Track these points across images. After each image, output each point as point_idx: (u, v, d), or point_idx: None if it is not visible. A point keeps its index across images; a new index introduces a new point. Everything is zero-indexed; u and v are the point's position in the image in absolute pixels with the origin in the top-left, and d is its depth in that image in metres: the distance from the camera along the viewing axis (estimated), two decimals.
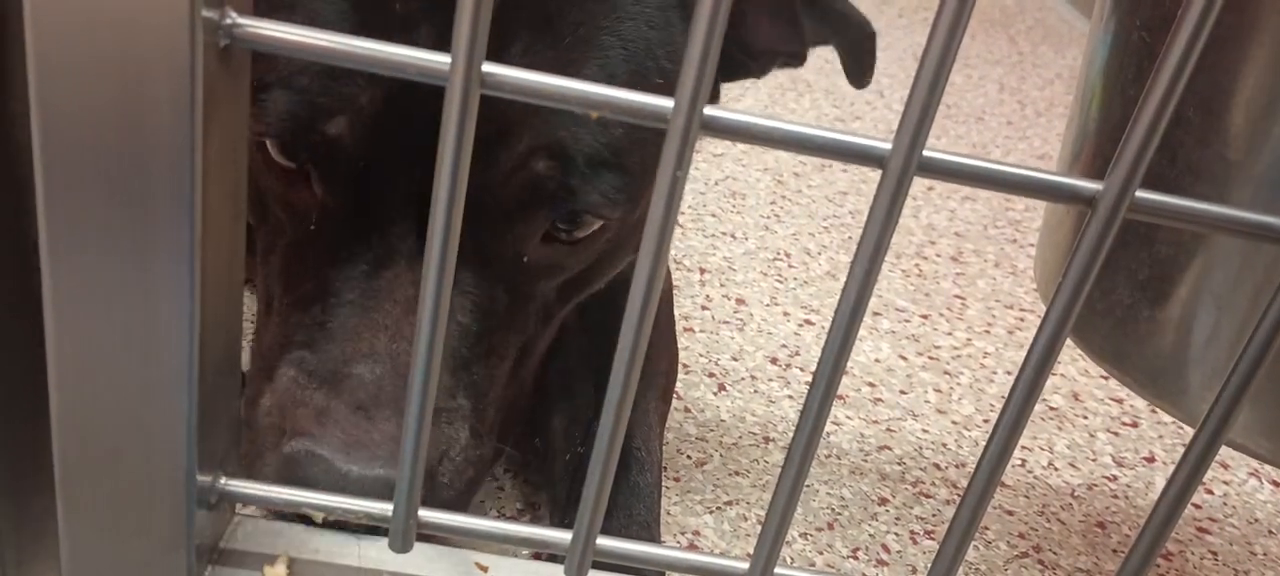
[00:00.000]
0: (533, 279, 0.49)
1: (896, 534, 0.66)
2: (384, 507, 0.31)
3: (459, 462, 0.46)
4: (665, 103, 0.24)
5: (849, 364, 0.84)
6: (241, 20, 0.24)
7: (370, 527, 0.34)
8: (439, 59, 0.24)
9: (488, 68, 0.23)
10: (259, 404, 0.45)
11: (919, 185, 1.17)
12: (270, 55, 0.41)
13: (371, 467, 0.41)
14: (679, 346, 0.73)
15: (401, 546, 0.31)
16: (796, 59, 0.56)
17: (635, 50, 0.46)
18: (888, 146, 0.24)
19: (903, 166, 0.24)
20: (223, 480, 0.31)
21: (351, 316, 0.44)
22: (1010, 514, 0.69)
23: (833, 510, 0.67)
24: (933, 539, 0.66)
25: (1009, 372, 0.85)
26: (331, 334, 0.44)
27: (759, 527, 0.64)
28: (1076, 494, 0.73)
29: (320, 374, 0.43)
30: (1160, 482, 0.76)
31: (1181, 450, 0.28)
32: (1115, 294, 0.48)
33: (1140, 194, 0.25)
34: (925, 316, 0.92)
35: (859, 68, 0.57)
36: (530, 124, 0.43)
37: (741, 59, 0.56)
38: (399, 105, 0.42)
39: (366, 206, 0.44)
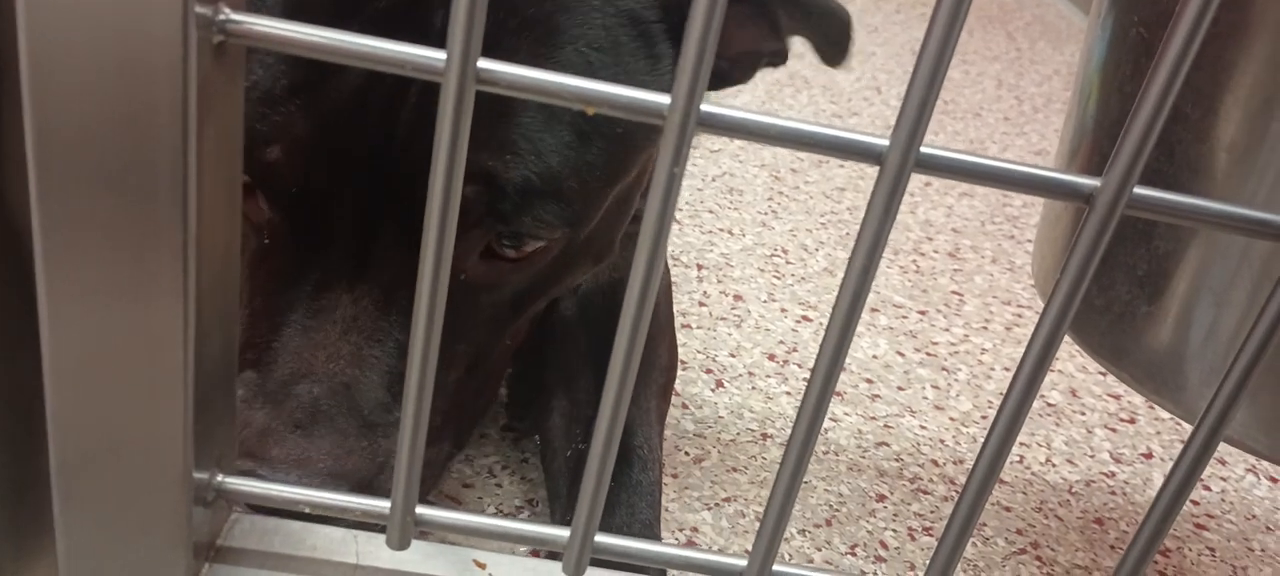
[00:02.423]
0: (475, 293, 0.50)
1: (894, 530, 0.66)
2: (382, 504, 0.31)
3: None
4: (662, 99, 0.24)
5: (847, 360, 0.84)
6: (235, 16, 0.24)
7: (366, 524, 0.34)
8: (434, 55, 0.23)
9: (483, 64, 0.23)
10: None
11: (916, 181, 1.17)
12: None
13: (310, 483, 0.44)
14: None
15: (399, 543, 0.31)
16: (779, 57, 0.56)
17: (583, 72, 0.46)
18: (885, 143, 0.24)
19: (900, 163, 0.24)
20: (220, 477, 0.31)
21: (293, 337, 0.46)
22: (1008, 510, 0.69)
23: (831, 506, 0.67)
24: (930, 535, 0.66)
25: (1006, 369, 0.85)
26: (275, 354, 0.46)
27: (757, 524, 0.64)
28: (1074, 490, 0.73)
29: (264, 393, 0.46)
30: (1158, 479, 0.76)
31: (1179, 446, 0.28)
32: (1113, 290, 0.48)
33: (1138, 190, 0.25)
34: (923, 313, 0.92)
35: (836, 50, 0.56)
36: None
37: (723, 67, 0.56)
38: (335, 135, 0.44)
39: (307, 229, 0.46)
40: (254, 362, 0.47)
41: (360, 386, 0.46)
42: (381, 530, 0.31)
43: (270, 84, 0.43)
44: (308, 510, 0.32)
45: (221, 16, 0.23)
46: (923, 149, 0.24)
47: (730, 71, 0.57)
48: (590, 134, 0.46)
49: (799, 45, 0.57)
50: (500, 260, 0.49)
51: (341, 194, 0.45)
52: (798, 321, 0.87)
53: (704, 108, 0.23)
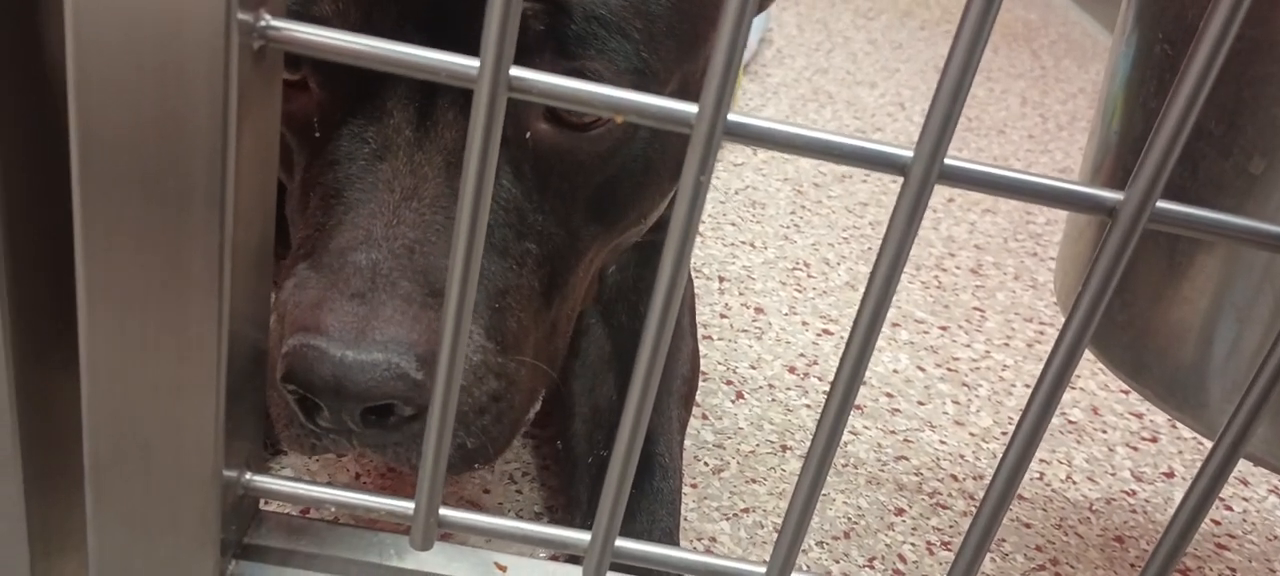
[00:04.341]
0: (544, 171, 0.46)
1: (913, 544, 0.65)
2: (406, 505, 0.31)
3: (474, 363, 0.43)
4: (690, 108, 0.24)
5: (867, 374, 0.84)
6: (275, 22, 0.24)
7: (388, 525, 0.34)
8: (468, 63, 0.24)
9: (515, 72, 0.24)
10: (269, 327, 0.43)
11: (939, 197, 1.17)
12: None
13: (369, 352, 0.39)
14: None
15: (422, 544, 0.31)
16: None
17: None
18: (909, 154, 0.24)
19: (924, 174, 0.24)
20: (248, 475, 0.32)
21: (346, 211, 0.42)
22: (1028, 526, 0.69)
23: (849, 519, 0.67)
24: (949, 550, 0.65)
25: (1027, 386, 0.85)
26: (329, 233, 0.42)
27: (775, 535, 0.64)
28: (1094, 508, 0.72)
29: (317, 270, 0.42)
30: (1179, 498, 0.75)
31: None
32: (1135, 305, 0.48)
33: (1161, 204, 0.25)
34: (944, 328, 0.92)
35: None
36: None
37: None
38: None
39: (361, 103, 0.43)
40: (308, 254, 0.42)
41: (425, 251, 0.41)
42: (405, 531, 0.32)
43: None
44: (333, 508, 0.32)
45: (262, 22, 0.24)
46: (946, 161, 0.24)
47: None
48: None
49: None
50: (567, 127, 0.45)
51: None
52: (819, 335, 0.87)
53: (731, 117, 0.24)
